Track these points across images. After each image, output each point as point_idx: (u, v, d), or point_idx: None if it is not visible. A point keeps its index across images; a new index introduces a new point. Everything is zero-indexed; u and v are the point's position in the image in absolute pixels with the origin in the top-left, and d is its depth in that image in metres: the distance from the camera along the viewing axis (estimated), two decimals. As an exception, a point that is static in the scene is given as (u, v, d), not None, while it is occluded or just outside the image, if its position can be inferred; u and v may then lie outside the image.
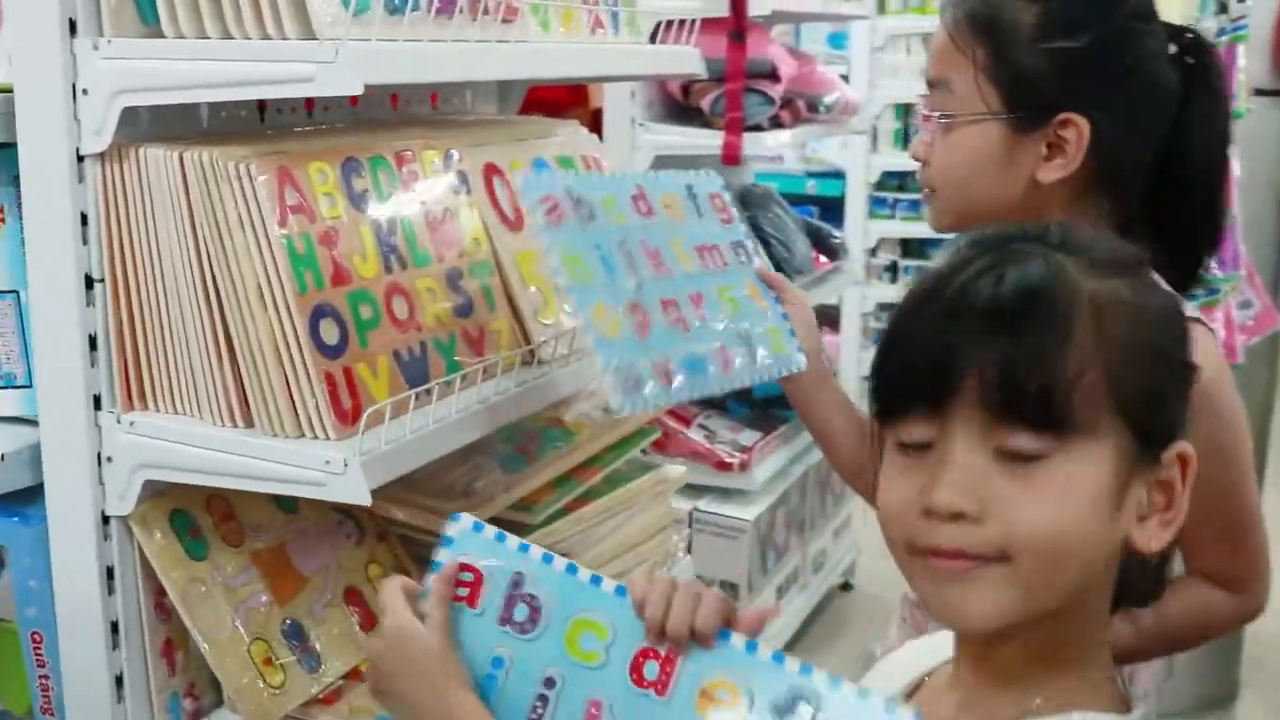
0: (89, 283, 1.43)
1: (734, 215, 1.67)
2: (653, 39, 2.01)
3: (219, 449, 1.40)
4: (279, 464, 1.36)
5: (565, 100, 3.49)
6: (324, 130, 1.64)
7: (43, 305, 1.46)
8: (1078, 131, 1.40)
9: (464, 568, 1.17)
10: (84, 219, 1.42)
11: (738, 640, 1.10)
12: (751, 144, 3.27)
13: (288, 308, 1.35)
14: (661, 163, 3.34)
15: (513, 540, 1.20)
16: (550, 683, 1.13)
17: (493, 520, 1.71)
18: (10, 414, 1.60)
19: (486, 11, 1.51)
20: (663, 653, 1.10)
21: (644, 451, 2.13)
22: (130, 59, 1.35)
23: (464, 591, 1.17)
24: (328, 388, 1.36)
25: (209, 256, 1.37)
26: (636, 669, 1.11)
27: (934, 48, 1.53)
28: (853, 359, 5.26)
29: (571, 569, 1.17)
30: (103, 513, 1.49)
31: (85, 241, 1.42)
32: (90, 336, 1.45)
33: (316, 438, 1.36)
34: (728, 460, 3.38)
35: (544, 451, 1.84)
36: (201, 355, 1.41)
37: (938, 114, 1.50)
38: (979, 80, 1.45)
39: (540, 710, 1.12)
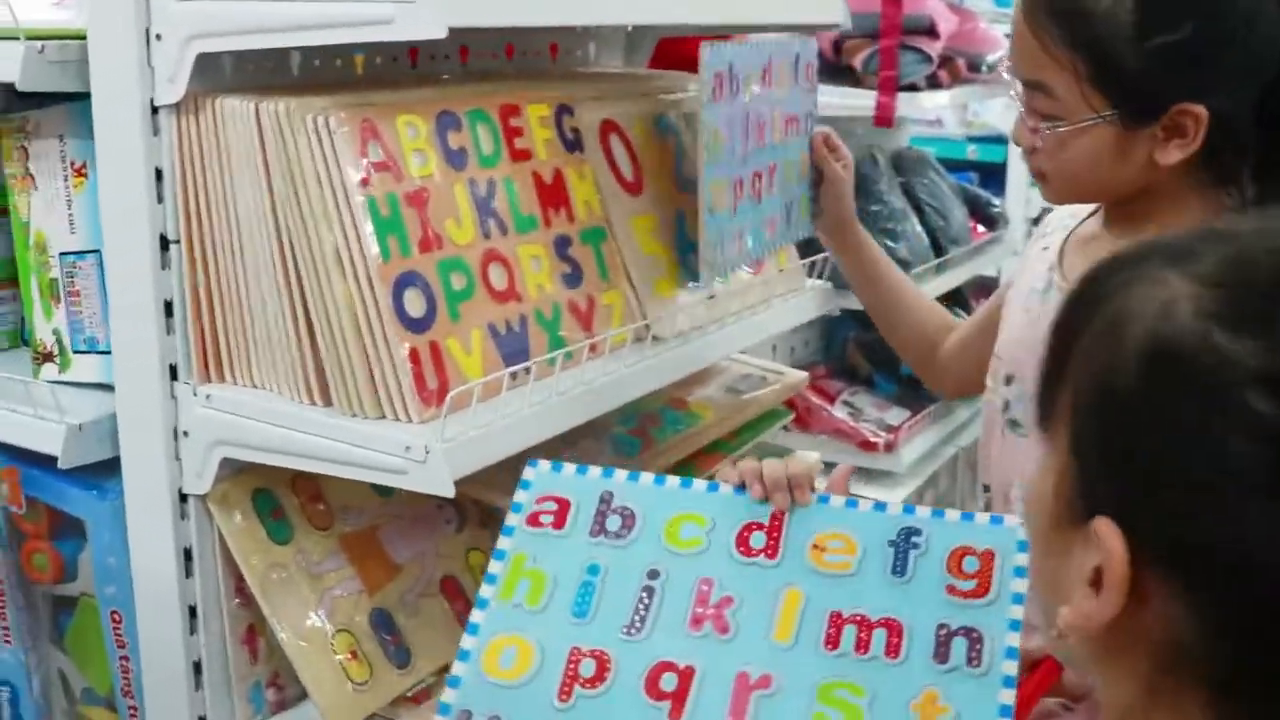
0: (164, 244, 1.33)
1: (815, 84, 1.74)
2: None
3: (295, 427, 1.28)
4: (356, 447, 1.24)
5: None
6: (421, 81, 1.50)
7: (118, 267, 1.36)
8: (1195, 118, 1.35)
9: (546, 499, 1.23)
10: (159, 175, 1.31)
11: (836, 500, 1.19)
12: (907, 105, 3.06)
13: (368, 276, 1.22)
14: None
15: (595, 469, 1.25)
16: (654, 574, 1.17)
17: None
18: (93, 380, 1.51)
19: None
20: (766, 523, 1.18)
21: (785, 429, 1.97)
22: (204, 0, 1.23)
23: (548, 519, 1.21)
24: (411, 365, 1.23)
25: (285, 218, 1.24)
26: (742, 542, 1.17)
27: (1020, 46, 1.44)
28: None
29: (659, 479, 1.24)
30: (180, 490, 1.39)
31: (160, 199, 1.31)
32: (166, 302, 1.34)
33: (398, 419, 1.24)
34: (873, 440, 3.19)
35: (663, 435, 1.69)
36: (278, 326, 1.29)
37: (1043, 122, 1.42)
38: (1083, 88, 1.37)
39: (647, 600, 1.15)
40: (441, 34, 1.10)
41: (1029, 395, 1.29)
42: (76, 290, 1.50)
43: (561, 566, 1.18)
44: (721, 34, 2.76)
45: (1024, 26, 1.41)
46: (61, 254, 1.51)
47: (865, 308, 1.89)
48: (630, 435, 1.66)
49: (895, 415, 3.31)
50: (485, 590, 1.20)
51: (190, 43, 1.24)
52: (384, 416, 1.24)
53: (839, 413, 3.24)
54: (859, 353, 3.41)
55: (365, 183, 1.23)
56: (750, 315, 1.65)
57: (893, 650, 1.09)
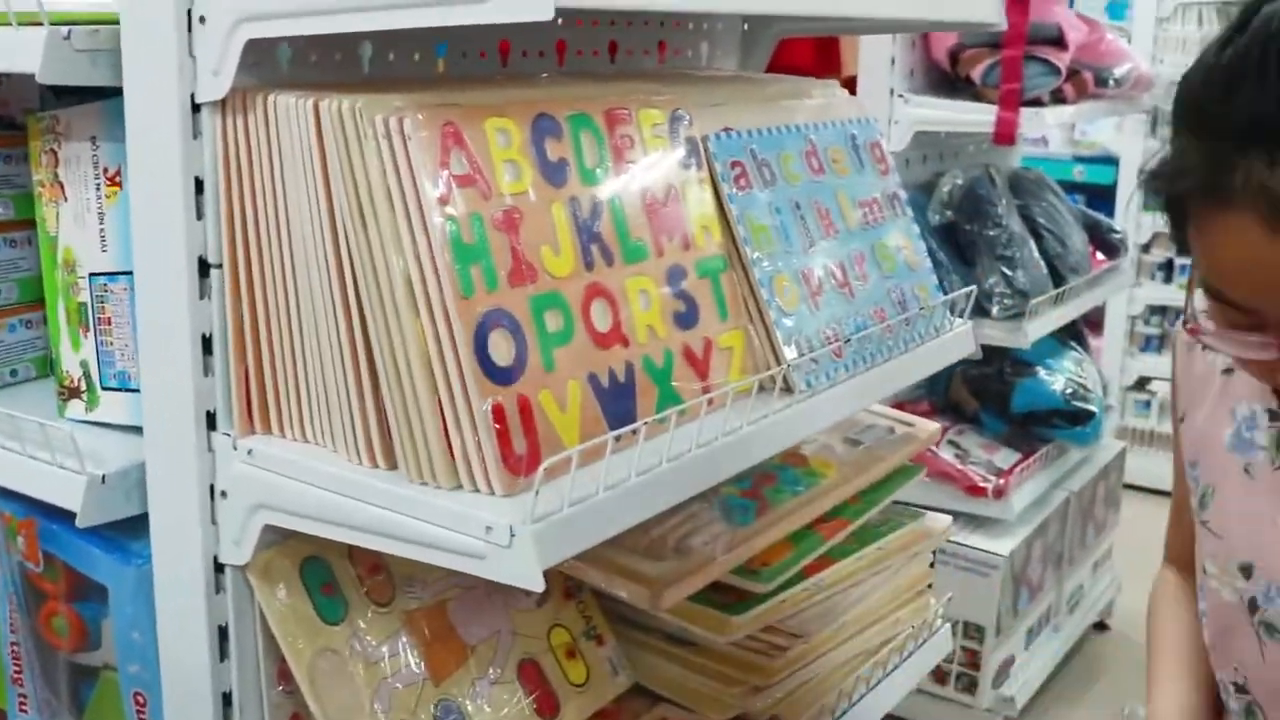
0: (203, 268, 1.11)
1: (890, 165, 1.57)
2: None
3: (351, 494, 1.05)
4: (425, 523, 1.01)
5: (813, 67, 3.08)
6: (513, 80, 1.27)
7: (149, 294, 1.14)
8: None
9: None
10: (199, 186, 1.09)
11: None
12: (1028, 121, 2.80)
13: (445, 314, 0.99)
14: (922, 139, 2.91)
15: None
16: None
17: (712, 588, 1.35)
18: (123, 421, 1.30)
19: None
20: None
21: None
22: (255, -26, 1.01)
23: None
24: (496, 424, 0.99)
25: (346, 240, 1.02)
26: None
27: (1234, 258, 0.99)
28: (1116, 366, 4.69)
29: None
30: (215, 559, 1.17)
31: (200, 215, 1.09)
32: (204, 337, 1.12)
33: (477, 490, 1.00)
34: (981, 485, 2.94)
35: (779, 497, 1.45)
36: (335, 371, 1.06)
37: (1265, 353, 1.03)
38: None
39: None
40: (547, 15, 0.86)
41: None
42: (107, 317, 1.29)
43: None
44: (852, 30, 2.53)
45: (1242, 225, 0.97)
46: (92, 275, 1.30)
47: None
48: (744, 498, 1.42)
49: (1004, 457, 3.06)
50: None
51: (238, 27, 1.02)
52: (460, 487, 1.01)
53: (945, 454, 2.98)
54: (965, 388, 3.15)
55: (445, 200, 1.00)
56: (892, 359, 1.41)
57: None
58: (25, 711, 1.43)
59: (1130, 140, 4.66)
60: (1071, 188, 4.59)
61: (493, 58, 1.36)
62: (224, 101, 1.07)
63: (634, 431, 1.07)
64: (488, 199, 1.03)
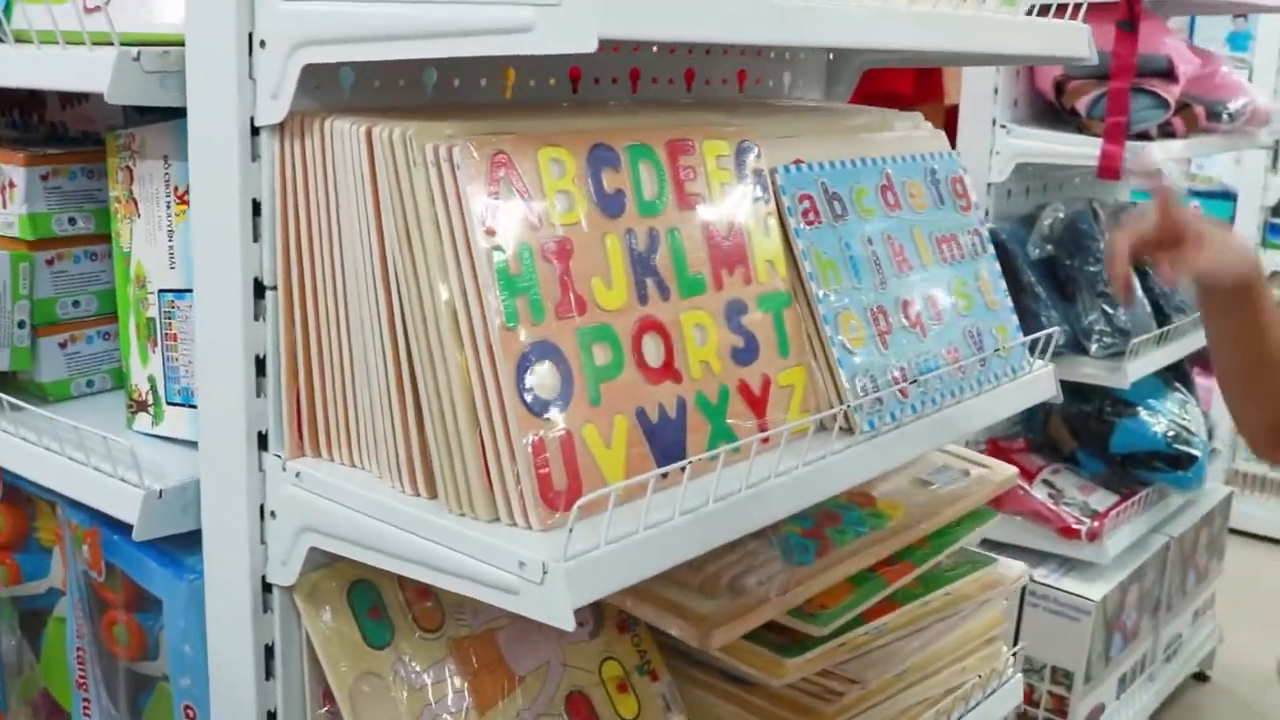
0: (259, 289, 1.11)
1: (973, 201, 1.54)
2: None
3: (392, 522, 1.05)
4: (461, 554, 1.00)
5: (913, 94, 3.04)
6: (580, 109, 1.26)
7: (207, 313, 1.15)
8: None
9: None
10: (256, 208, 1.09)
11: None
12: (1134, 155, 2.72)
13: (489, 345, 0.98)
14: (1024, 171, 2.85)
15: None
16: None
17: (768, 627, 1.32)
18: (186, 437, 1.31)
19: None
20: None
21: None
22: (311, 2, 1.01)
23: None
24: (535, 458, 0.98)
25: (395, 267, 1.02)
26: None
27: None
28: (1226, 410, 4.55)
29: None
30: (263, 579, 1.17)
31: (256, 237, 1.10)
32: (258, 358, 1.13)
33: (515, 524, 0.99)
34: (1075, 526, 2.85)
35: (843, 537, 1.42)
36: (381, 398, 1.06)
37: None
38: None
39: None
40: (590, 46, 0.85)
41: None
42: (174, 333, 1.31)
43: None
44: (938, 64, 2.48)
45: None
46: (161, 291, 1.31)
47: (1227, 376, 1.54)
48: (805, 537, 1.39)
49: (1100, 499, 2.97)
50: None
51: (296, 52, 1.03)
52: (498, 519, 1.00)
53: (1038, 493, 2.91)
54: (1063, 427, 3.07)
55: (493, 230, 0.99)
56: (964, 400, 1.37)
57: None
58: (89, 716, 1.45)
59: (1249, 175, 4.52)
60: (1187, 223, 4.46)
61: (563, 84, 1.35)
62: (282, 125, 1.07)
63: (681, 469, 1.05)
64: (538, 229, 1.02)
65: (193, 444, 1.28)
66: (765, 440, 1.15)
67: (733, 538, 1.09)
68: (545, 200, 1.04)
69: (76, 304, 1.49)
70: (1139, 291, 2.85)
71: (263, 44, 1.05)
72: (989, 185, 2.83)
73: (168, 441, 1.33)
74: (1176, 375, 3.21)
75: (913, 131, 1.51)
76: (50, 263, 1.46)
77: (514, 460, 0.98)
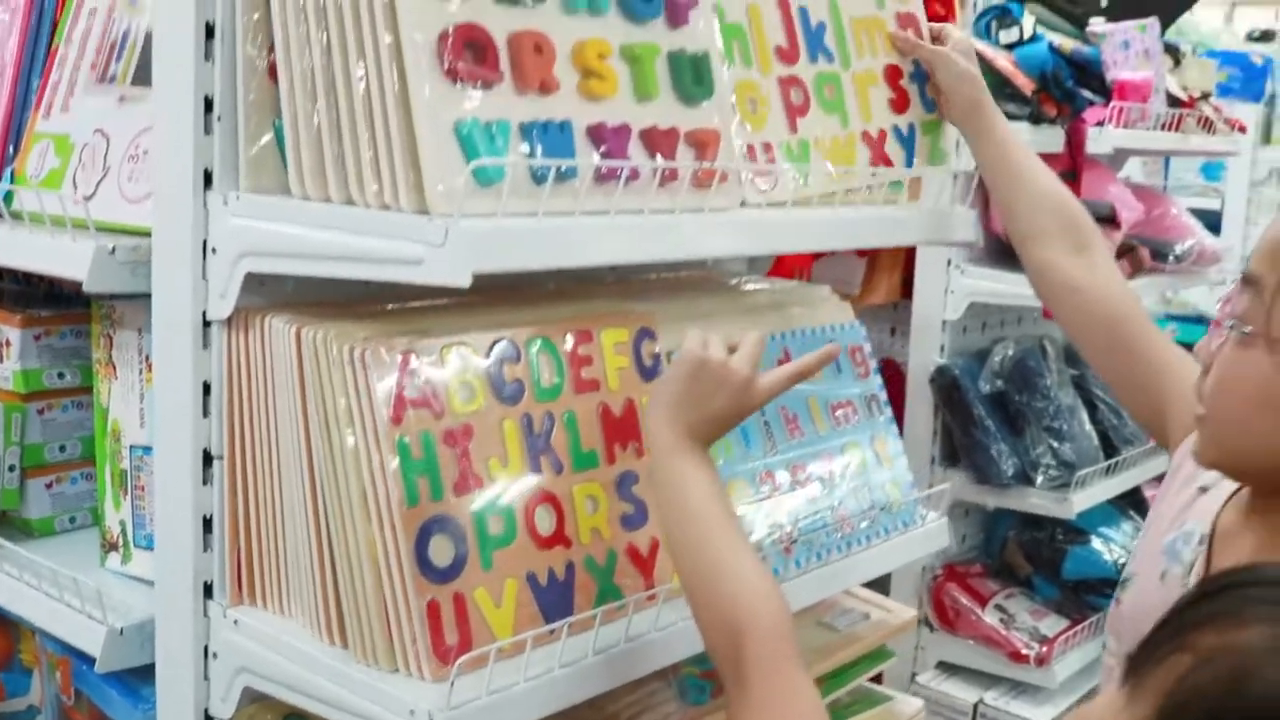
0: (208, 459, 1.28)
1: (871, 368, 1.68)
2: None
3: (310, 669, 1.20)
4: (367, 701, 1.15)
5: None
6: (498, 299, 1.43)
7: (164, 475, 1.32)
8: None
9: None
10: (206, 389, 1.27)
11: None
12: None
13: (391, 521, 1.14)
14: (977, 309, 3.01)
15: None
16: None
17: (662, 761, 1.46)
18: (150, 578, 1.47)
19: (682, 177, 1.28)
20: None
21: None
22: (254, 220, 1.19)
23: None
24: (429, 618, 1.14)
25: (318, 450, 1.18)
26: None
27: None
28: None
29: None
30: (206, 712, 1.33)
31: (206, 413, 1.27)
32: (205, 518, 1.29)
33: (410, 675, 1.15)
34: (1024, 652, 2.97)
35: (741, 676, 1.56)
36: (305, 559, 1.22)
37: (1229, 322, 1.21)
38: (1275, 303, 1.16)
39: None
40: (465, 283, 1.03)
41: None
42: (142, 485, 1.48)
43: None
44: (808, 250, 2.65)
45: None
46: (132, 446, 1.49)
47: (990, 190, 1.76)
48: (701, 679, 1.53)
49: (1051, 624, 3.08)
50: None
51: (240, 260, 1.21)
52: (398, 670, 1.16)
53: (989, 618, 3.03)
54: (1019, 552, 3.20)
55: (398, 420, 1.16)
56: (850, 555, 1.52)
57: None
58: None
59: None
60: (1162, 347, 4.60)
61: (495, 267, 1.53)
62: (229, 319, 1.25)
63: (567, 625, 1.20)
64: (439, 418, 1.19)
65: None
66: (651, 598, 1.30)
67: (611, 687, 1.24)
68: (448, 393, 1.20)
69: (63, 448, 1.66)
70: (1087, 424, 3.00)
71: (214, 251, 1.23)
72: (944, 322, 2.98)
73: (134, 580, 1.49)
74: (1131, 502, 3.34)
75: (818, 305, 1.68)
76: (41, 412, 1.64)
77: (410, 619, 1.14)
